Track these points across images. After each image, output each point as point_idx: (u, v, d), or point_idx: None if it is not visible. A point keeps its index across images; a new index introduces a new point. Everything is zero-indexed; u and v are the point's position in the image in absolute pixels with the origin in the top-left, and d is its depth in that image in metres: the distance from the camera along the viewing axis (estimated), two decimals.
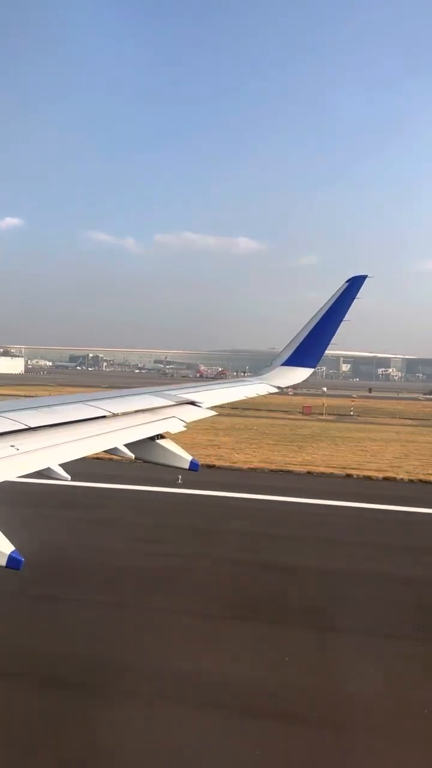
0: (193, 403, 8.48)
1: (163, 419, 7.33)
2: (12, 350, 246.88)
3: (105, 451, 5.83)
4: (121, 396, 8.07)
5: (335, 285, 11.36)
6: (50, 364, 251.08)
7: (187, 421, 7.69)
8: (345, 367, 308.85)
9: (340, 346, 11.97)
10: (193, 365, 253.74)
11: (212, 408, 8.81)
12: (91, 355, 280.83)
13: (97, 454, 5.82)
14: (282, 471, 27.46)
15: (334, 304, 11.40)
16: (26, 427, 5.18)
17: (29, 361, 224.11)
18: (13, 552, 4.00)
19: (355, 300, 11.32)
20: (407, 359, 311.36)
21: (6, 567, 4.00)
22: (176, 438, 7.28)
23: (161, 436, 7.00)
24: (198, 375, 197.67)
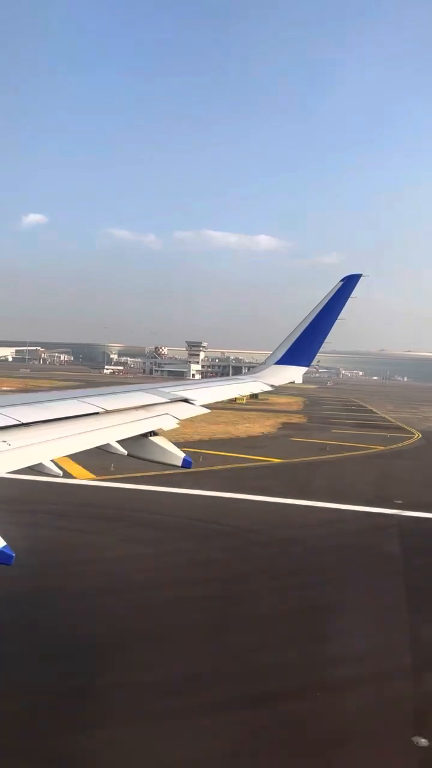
0: (186, 400, 8.47)
1: (156, 416, 7.32)
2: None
3: (97, 448, 5.83)
4: (115, 393, 8.06)
5: None
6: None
7: (181, 419, 7.68)
8: None
9: None
10: (333, 369, 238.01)
11: (206, 405, 8.81)
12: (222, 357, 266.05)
13: (89, 450, 5.82)
14: None
15: (328, 302, 11.41)
16: (18, 422, 5.17)
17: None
18: (4, 547, 3.99)
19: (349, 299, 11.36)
20: None
21: None
22: None
23: (154, 433, 7.00)
24: None
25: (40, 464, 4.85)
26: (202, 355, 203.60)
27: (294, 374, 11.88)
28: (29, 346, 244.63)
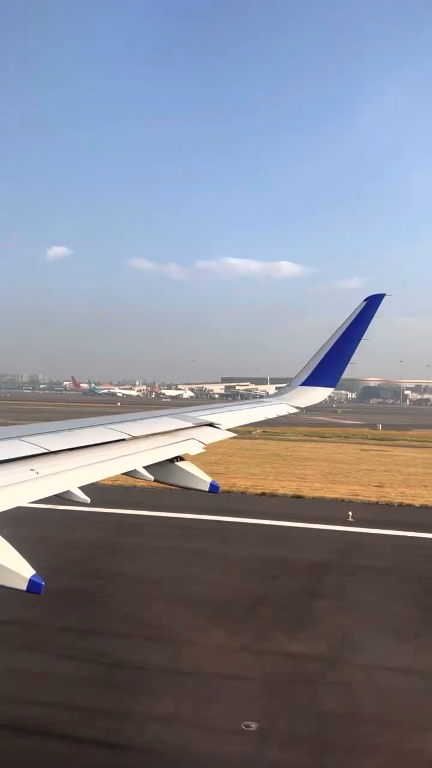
0: (211, 424, 8.49)
1: (182, 441, 7.35)
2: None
3: (124, 474, 5.87)
4: (141, 419, 8.12)
5: None
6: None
7: (207, 443, 7.70)
8: None
9: None
10: None
11: (231, 429, 8.81)
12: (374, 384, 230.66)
13: (116, 477, 5.86)
14: None
15: (352, 323, 11.37)
16: (46, 450, 5.23)
17: None
18: (33, 576, 4.01)
19: (373, 318, 11.30)
20: None
21: (27, 591, 4.01)
22: None
23: (181, 458, 7.01)
24: None
25: (68, 492, 4.89)
26: None
27: (319, 395, 11.84)
28: (239, 382, 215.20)
